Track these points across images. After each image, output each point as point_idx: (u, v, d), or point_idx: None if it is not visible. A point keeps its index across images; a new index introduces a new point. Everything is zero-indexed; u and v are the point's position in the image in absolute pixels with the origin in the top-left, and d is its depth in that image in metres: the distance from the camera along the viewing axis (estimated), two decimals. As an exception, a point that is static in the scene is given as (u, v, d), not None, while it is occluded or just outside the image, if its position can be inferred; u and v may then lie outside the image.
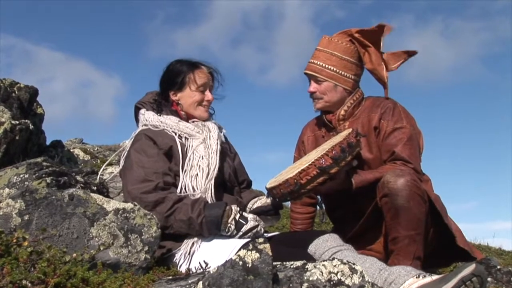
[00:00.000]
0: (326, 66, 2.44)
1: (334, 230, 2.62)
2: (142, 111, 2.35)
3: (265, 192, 2.21)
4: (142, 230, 1.84)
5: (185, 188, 2.12)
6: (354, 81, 2.48)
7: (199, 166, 2.17)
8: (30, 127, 2.96)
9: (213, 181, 2.17)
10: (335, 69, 2.43)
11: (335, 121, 2.49)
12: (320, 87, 2.46)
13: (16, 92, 3.25)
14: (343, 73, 2.44)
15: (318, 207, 2.61)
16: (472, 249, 2.28)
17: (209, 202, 2.11)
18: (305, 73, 2.53)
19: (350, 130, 2.21)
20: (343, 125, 2.46)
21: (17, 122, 2.83)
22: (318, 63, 2.46)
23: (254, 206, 2.30)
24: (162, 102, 2.37)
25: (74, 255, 1.61)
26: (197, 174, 2.15)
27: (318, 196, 2.59)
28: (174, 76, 2.37)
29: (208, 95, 2.38)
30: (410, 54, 2.47)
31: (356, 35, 2.44)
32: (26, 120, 2.99)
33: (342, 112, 2.46)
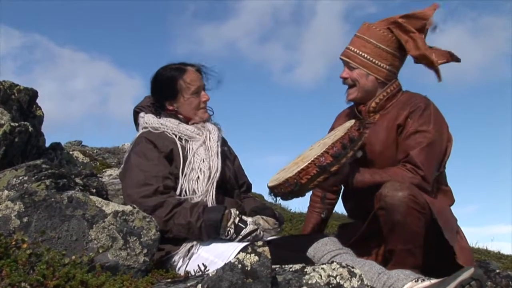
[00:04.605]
0: (360, 53, 2.36)
1: (340, 229, 2.61)
2: (142, 114, 2.35)
3: (264, 195, 2.19)
4: (141, 233, 1.84)
5: (185, 191, 2.12)
6: (389, 71, 2.36)
7: (200, 169, 2.16)
8: (30, 129, 2.96)
9: (215, 183, 2.16)
10: (368, 57, 2.34)
11: (364, 112, 2.40)
12: (352, 73, 2.37)
13: (16, 94, 3.25)
14: (376, 61, 2.34)
15: (323, 200, 2.60)
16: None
17: (209, 205, 2.10)
18: (340, 59, 2.45)
19: (353, 121, 2.15)
20: (373, 117, 2.38)
21: (17, 124, 2.83)
22: (353, 49, 2.38)
23: (261, 223, 2.17)
24: (159, 107, 2.37)
25: (73, 257, 1.61)
26: (198, 177, 2.14)
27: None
28: (165, 87, 2.33)
29: (204, 96, 2.35)
30: (454, 58, 2.35)
31: (400, 20, 2.33)
32: (26, 122, 2.98)
33: (373, 104, 2.37)
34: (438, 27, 2.37)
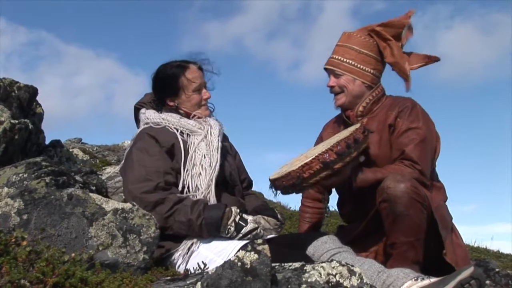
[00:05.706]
0: (344, 60, 2.42)
1: (339, 229, 2.62)
2: (143, 110, 2.35)
3: (265, 193, 2.19)
4: (141, 230, 1.84)
5: (187, 187, 2.12)
6: (374, 75, 2.44)
7: (202, 165, 2.16)
8: (30, 127, 2.96)
9: (214, 178, 2.15)
10: (353, 63, 2.41)
11: (353, 117, 2.45)
12: (339, 81, 2.43)
13: (16, 92, 3.25)
14: (361, 66, 2.41)
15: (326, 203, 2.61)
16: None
17: (211, 201, 2.11)
18: (325, 69, 2.52)
19: (359, 125, 2.18)
20: (361, 121, 2.42)
21: (17, 121, 2.83)
22: (337, 57, 2.45)
23: (261, 222, 2.16)
24: (160, 103, 2.38)
25: (73, 255, 1.60)
26: (200, 173, 2.14)
27: (327, 195, 2.59)
28: (166, 84, 2.34)
29: (205, 93, 2.36)
30: (432, 59, 2.43)
31: (377, 28, 2.41)
32: (26, 120, 2.98)
33: (361, 108, 2.43)
34: (412, 31, 2.44)
